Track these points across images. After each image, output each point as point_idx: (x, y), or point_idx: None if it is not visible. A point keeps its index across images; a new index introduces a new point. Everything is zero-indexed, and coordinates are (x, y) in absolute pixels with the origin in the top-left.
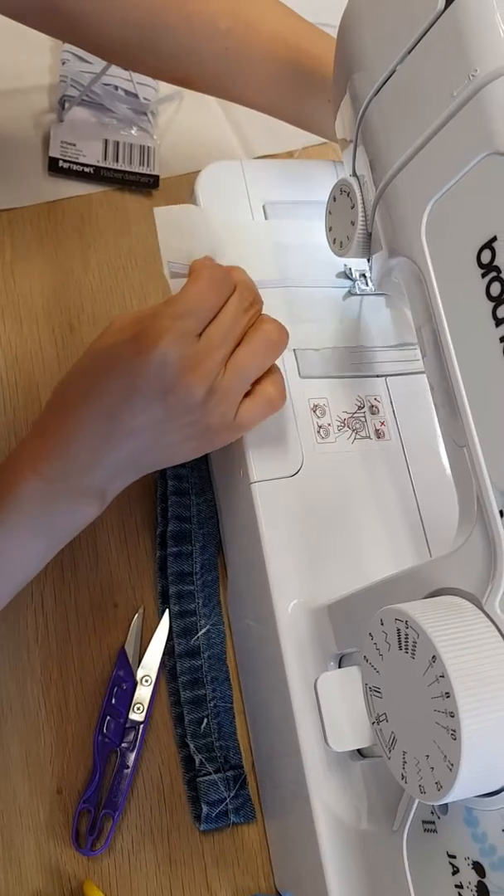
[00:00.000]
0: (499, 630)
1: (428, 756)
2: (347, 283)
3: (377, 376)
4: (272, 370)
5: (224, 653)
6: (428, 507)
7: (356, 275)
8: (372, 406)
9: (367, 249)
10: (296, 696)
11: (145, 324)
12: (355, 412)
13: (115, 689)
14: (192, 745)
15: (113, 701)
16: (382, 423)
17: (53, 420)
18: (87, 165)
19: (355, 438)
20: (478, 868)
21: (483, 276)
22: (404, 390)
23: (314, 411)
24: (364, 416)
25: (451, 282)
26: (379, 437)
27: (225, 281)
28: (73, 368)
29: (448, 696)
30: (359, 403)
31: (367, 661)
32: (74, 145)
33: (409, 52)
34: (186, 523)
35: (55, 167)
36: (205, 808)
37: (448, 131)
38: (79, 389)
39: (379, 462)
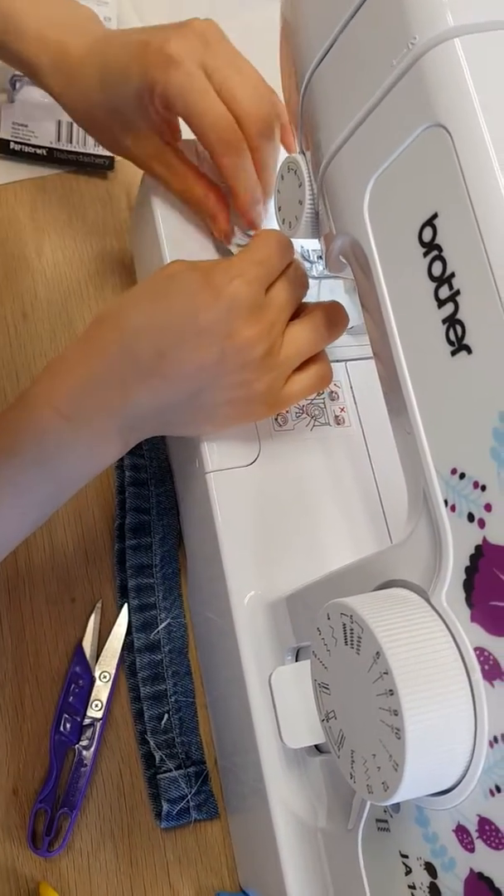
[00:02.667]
0: (445, 624)
1: (374, 755)
2: (305, 265)
3: (336, 361)
4: (320, 353)
5: (186, 646)
6: (389, 495)
7: (313, 257)
8: (331, 392)
9: (317, 229)
10: (253, 690)
11: (219, 263)
12: (314, 398)
13: (73, 686)
14: (152, 742)
15: (70, 698)
16: (342, 410)
17: (84, 354)
18: (39, 147)
19: (314, 425)
20: (430, 869)
21: (425, 255)
22: (365, 376)
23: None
24: (323, 403)
25: (394, 261)
26: (339, 424)
27: (289, 246)
28: (119, 299)
29: (392, 694)
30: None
31: (315, 656)
32: (26, 126)
33: (349, 22)
34: (145, 514)
35: (6, 149)
36: (165, 806)
37: (388, 103)
38: (125, 320)
39: (339, 449)
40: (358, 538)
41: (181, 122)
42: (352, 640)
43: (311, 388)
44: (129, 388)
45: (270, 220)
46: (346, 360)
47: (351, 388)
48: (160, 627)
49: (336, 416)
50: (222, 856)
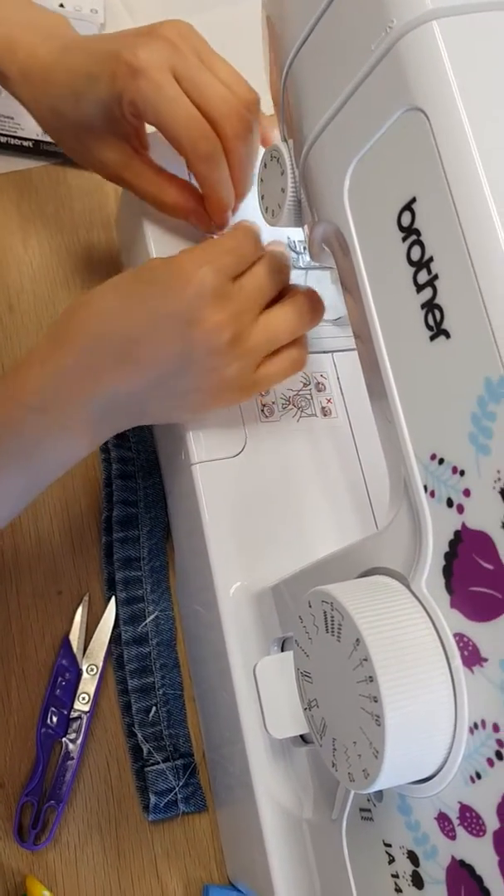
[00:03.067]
0: (425, 610)
1: (355, 743)
2: (291, 256)
3: (323, 352)
4: (294, 343)
5: (174, 639)
6: (376, 486)
7: (300, 248)
8: (318, 383)
9: (299, 217)
10: (238, 681)
11: (189, 251)
12: (300, 389)
13: (59, 679)
14: (139, 735)
15: (57, 691)
16: (329, 401)
17: (54, 345)
18: (25, 139)
19: (301, 416)
20: (412, 857)
21: (404, 239)
22: (352, 367)
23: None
24: (310, 394)
25: (374, 246)
26: (325, 415)
27: (258, 238)
28: (91, 291)
29: (372, 681)
30: (304, 380)
31: (297, 644)
32: (12, 119)
33: (328, 7)
34: (133, 507)
35: None
36: (153, 798)
37: (367, 88)
38: (96, 310)
39: (325, 440)
40: (344, 529)
41: None
42: (332, 628)
43: (283, 373)
44: (100, 375)
45: (254, 213)
46: (333, 352)
47: (338, 379)
48: (148, 620)
49: (323, 408)
50: (210, 848)
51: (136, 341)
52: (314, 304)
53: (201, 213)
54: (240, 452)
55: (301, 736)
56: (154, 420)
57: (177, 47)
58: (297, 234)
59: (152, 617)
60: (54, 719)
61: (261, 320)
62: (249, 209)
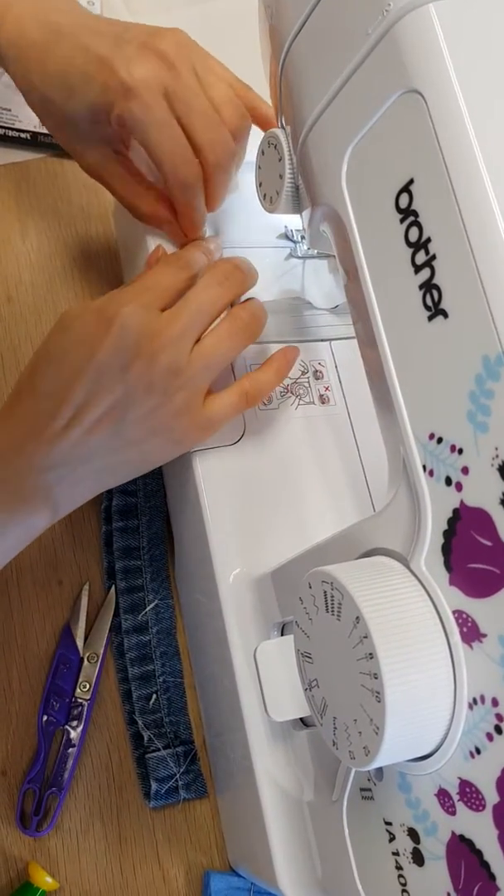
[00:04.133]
0: (424, 588)
1: (356, 720)
2: (288, 244)
3: (321, 340)
4: (262, 368)
5: (174, 627)
6: (374, 473)
7: (297, 236)
8: (316, 371)
9: (297, 204)
10: (239, 666)
11: (106, 298)
12: (299, 377)
13: (60, 668)
14: (140, 722)
15: (58, 679)
16: (327, 389)
17: (6, 416)
18: (23, 131)
19: (299, 404)
20: (412, 834)
21: (401, 221)
22: (349, 354)
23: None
24: (308, 382)
25: (372, 229)
26: (323, 403)
27: (187, 264)
28: (34, 357)
29: (371, 658)
30: (302, 368)
31: (298, 626)
32: (9, 110)
33: None
34: (132, 497)
35: None
36: (154, 785)
37: (364, 71)
38: (33, 372)
39: (324, 428)
40: (343, 515)
41: None
42: (332, 607)
43: (236, 406)
44: (47, 443)
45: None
46: (331, 340)
47: (336, 367)
48: (148, 609)
49: (321, 395)
50: (211, 835)
51: (70, 401)
52: (244, 322)
53: (174, 226)
54: (238, 440)
55: (301, 719)
56: (121, 479)
57: (172, 65)
58: (294, 224)
59: (152, 605)
60: (56, 707)
61: (196, 347)
62: (246, 199)
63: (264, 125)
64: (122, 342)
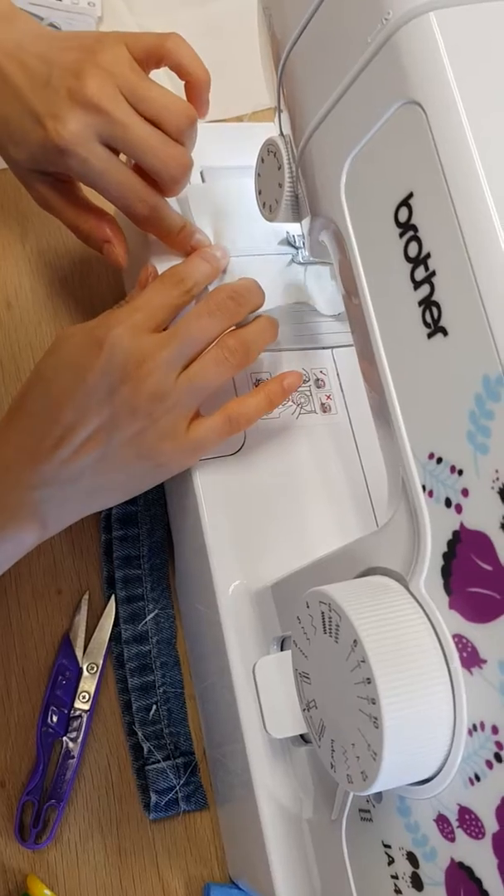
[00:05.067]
0: (424, 611)
1: (354, 745)
2: (290, 251)
3: (323, 348)
4: (253, 392)
5: (174, 637)
6: (376, 484)
7: (299, 242)
8: (318, 379)
9: (297, 213)
10: (238, 680)
11: (98, 320)
12: (300, 386)
13: (60, 678)
14: (140, 733)
15: (57, 690)
16: (328, 397)
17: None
18: None
19: (300, 413)
20: (411, 858)
21: (401, 235)
22: (351, 363)
23: (256, 386)
24: (309, 390)
25: (371, 242)
26: (325, 412)
27: (181, 280)
28: (28, 377)
29: (370, 682)
30: (304, 376)
31: (296, 645)
32: None
33: (323, 0)
34: (132, 505)
35: None
36: (153, 797)
37: (363, 81)
38: (25, 392)
39: (325, 437)
40: (344, 526)
41: None
42: (330, 629)
43: (220, 431)
44: (36, 461)
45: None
46: (333, 347)
47: (337, 375)
48: (148, 619)
49: (322, 404)
50: (211, 846)
51: (64, 427)
52: (231, 352)
53: (111, 248)
54: (239, 450)
55: (301, 735)
56: (106, 503)
57: (100, 109)
58: (296, 230)
59: (152, 615)
60: (55, 718)
61: (183, 373)
62: (246, 205)
63: (191, 91)
64: (110, 366)
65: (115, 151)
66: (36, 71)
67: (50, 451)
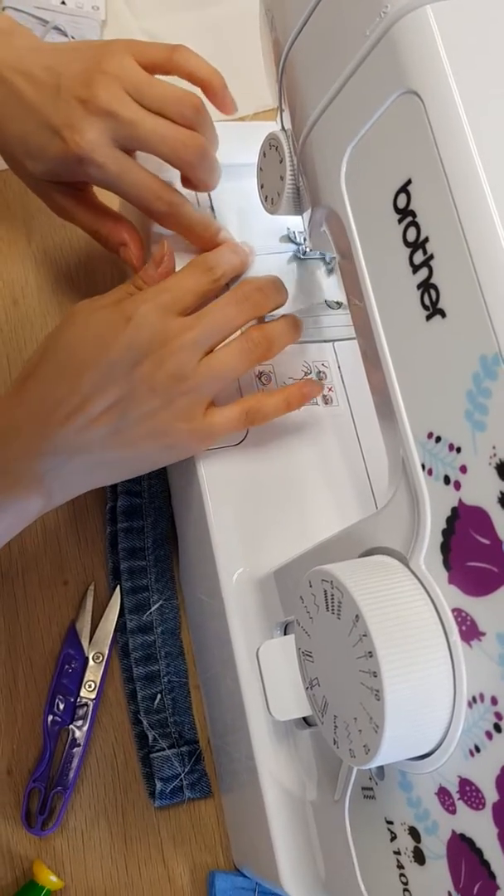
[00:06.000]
0: (423, 587)
1: (356, 719)
2: (291, 247)
3: (324, 341)
4: (273, 393)
5: (178, 627)
6: (377, 474)
7: (300, 238)
8: (319, 372)
9: (298, 205)
10: (242, 666)
11: (128, 299)
12: (302, 378)
13: (66, 667)
14: (145, 722)
15: (63, 679)
16: (330, 389)
17: (6, 406)
18: None
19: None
20: (413, 833)
21: (399, 221)
22: (353, 355)
23: (259, 378)
24: None
25: (370, 229)
26: (327, 404)
27: (210, 268)
28: (41, 344)
29: (371, 656)
30: (306, 369)
31: (299, 624)
32: None
33: None
34: (137, 498)
35: None
36: (159, 784)
37: (362, 73)
38: (41, 360)
39: (327, 428)
40: (346, 515)
41: None
42: (333, 606)
43: (236, 422)
44: (49, 428)
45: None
46: (334, 340)
47: (339, 367)
48: (152, 609)
49: (324, 396)
50: (216, 834)
51: (82, 396)
52: (255, 343)
53: (127, 250)
54: (242, 441)
55: (304, 719)
56: (114, 477)
57: (111, 114)
58: (296, 226)
59: (157, 606)
60: (61, 707)
61: (205, 358)
62: (248, 202)
63: (207, 90)
64: (135, 341)
65: (130, 153)
66: (44, 83)
67: (63, 420)
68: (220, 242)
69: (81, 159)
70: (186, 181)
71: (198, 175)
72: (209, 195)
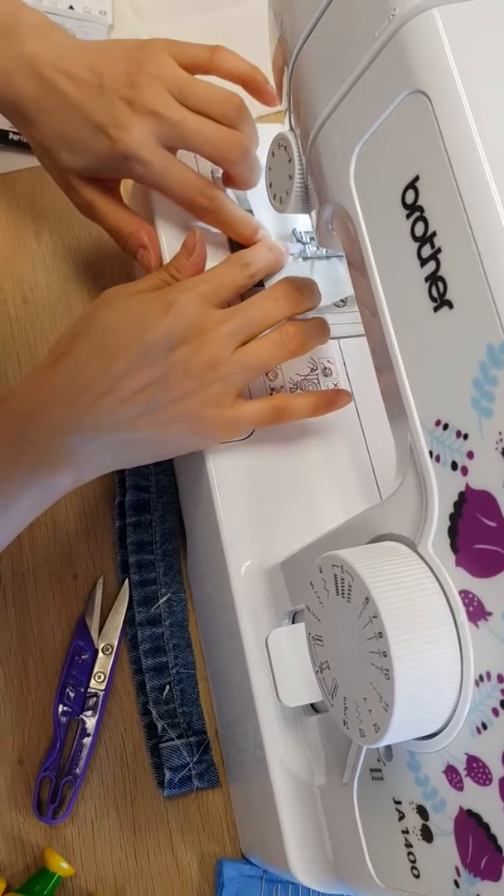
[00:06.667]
0: (431, 570)
1: (366, 699)
2: (297, 246)
3: (330, 338)
4: (303, 395)
5: (186, 620)
6: (382, 468)
7: (306, 238)
8: (325, 368)
9: (306, 203)
10: (251, 655)
11: (167, 286)
12: (308, 374)
13: (76, 659)
14: (154, 712)
15: (73, 670)
16: (336, 385)
17: (35, 382)
18: None
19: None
20: (421, 812)
21: (408, 216)
22: (357, 352)
23: (266, 374)
24: (317, 379)
25: (379, 224)
26: None
27: (247, 264)
28: (74, 325)
29: (381, 637)
30: (311, 366)
31: (309, 610)
32: None
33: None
34: (145, 493)
35: (5, 139)
36: (167, 774)
37: (371, 74)
38: (75, 340)
39: (333, 424)
40: (351, 507)
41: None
42: (343, 590)
43: (264, 415)
44: (79, 406)
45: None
46: (340, 338)
47: (344, 364)
48: (161, 602)
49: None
50: (224, 824)
51: (116, 377)
52: (290, 338)
53: (146, 253)
54: (250, 435)
55: (312, 705)
56: (140, 458)
57: (156, 114)
58: (303, 226)
59: (165, 599)
60: (71, 697)
61: (240, 349)
62: (255, 203)
63: (249, 86)
64: (174, 327)
65: (172, 151)
66: (87, 82)
67: (95, 399)
68: (259, 239)
69: (127, 157)
70: (228, 179)
71: (240, 172)
72: (212, 173)
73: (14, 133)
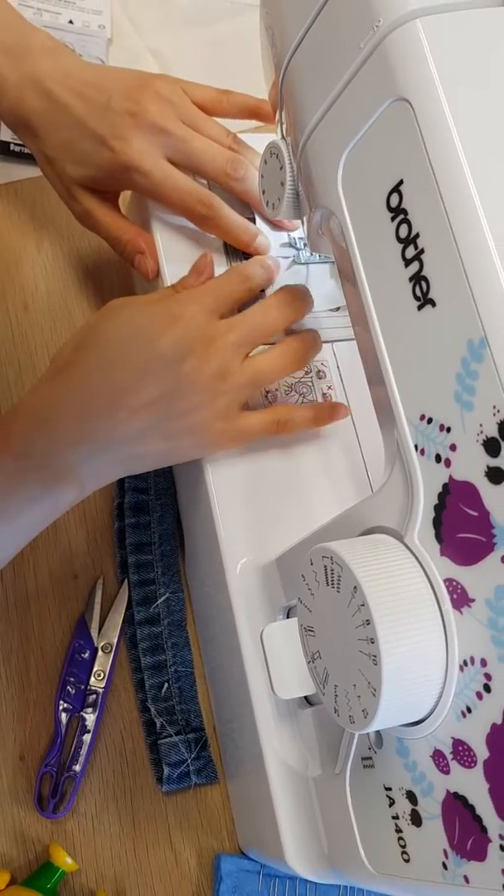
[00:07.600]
0: (417, 560)
1: (355, 685)
2: (292, 252)
3: (324, 342)
4: (305, 406)
5: (184, 619)
6: (375, 467)
7: (300, 244)
8: (319, 371)
9: (298, 209)
10: (247, 651)
11: (173, 298)
12: (302, 377)
13: (76, 657)
14: (152, 709)
15: (73, 669)
16: (329, 388)
17: (42, 395)
18: None
19: (303, 402)
20: (410, 797)
21: (392, 219)
22: (351, 355)
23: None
24: (311, 381)
25: (365, 227)
26: (326, 401)
27: (247, 277)
28: (76, 335)
29: (369, 624)
30: (306, 368)
31: (301, 602)
32: None
33: (320, 12)
34: (143, 494)
35: (6, 150)
36: (166, 770)
37: (357, 83)
38: (79, 351)
39: (327, 426)
40: (344, 506)
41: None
42: (332, 580)
43: (267, 428)
44: (88, 419)
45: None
46: (333, 341)
47: (338, 367)
48: (159, 601)
49: (324, 394)
50: (222, 819)
51: (124, 390)
52: (294, 351)
53: (143, 259)
54: None
55: (306, 698)
56: (143, 468)
57: (162, 129)
58: (297, 232)
59: (163, 598)
60: (71, 695)
61: (247, 360)
62: (251, 213)
63: (262, 116)
64: (183, 339)
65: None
66: (93, 98)
67: (103, 412)
68: (258, 245)
69: (128, 167)
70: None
71: (244, 189)
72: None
73: (16, 144)
